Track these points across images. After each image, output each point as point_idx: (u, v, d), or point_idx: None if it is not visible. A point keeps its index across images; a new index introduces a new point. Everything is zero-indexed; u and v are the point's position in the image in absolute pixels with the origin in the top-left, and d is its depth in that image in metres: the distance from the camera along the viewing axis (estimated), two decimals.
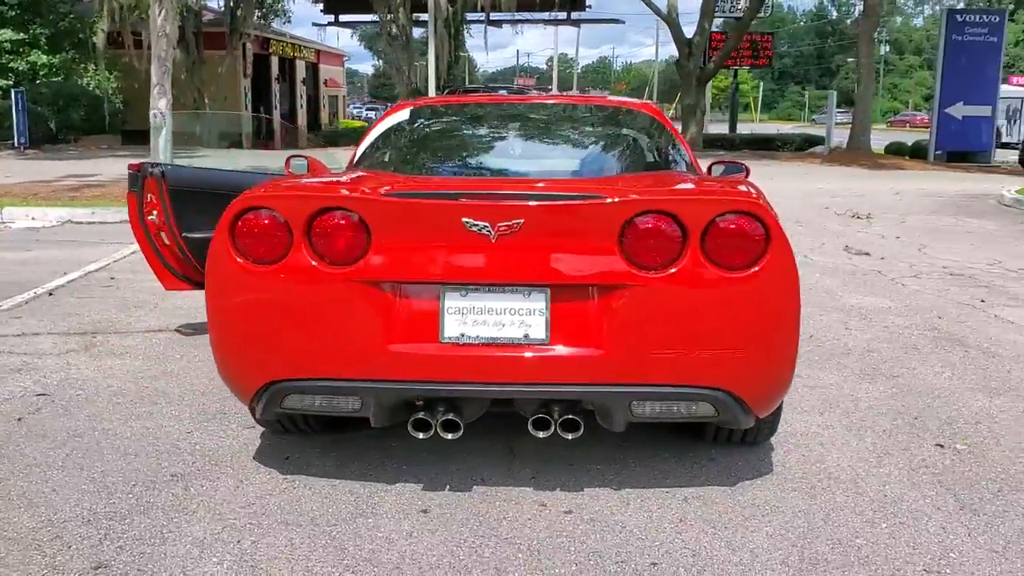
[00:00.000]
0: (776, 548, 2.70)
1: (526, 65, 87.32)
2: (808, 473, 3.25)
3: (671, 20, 26.39)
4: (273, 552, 2.67)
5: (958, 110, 21.98)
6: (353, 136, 28.41)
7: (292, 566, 2.59)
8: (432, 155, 3.79)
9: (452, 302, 2.80)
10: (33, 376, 4.34)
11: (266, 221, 2.83)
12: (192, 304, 5.78)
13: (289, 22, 31.51)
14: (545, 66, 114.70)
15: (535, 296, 2.78)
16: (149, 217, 4.91)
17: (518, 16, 28.41)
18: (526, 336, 2.77)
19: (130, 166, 5.02)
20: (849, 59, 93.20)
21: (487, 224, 2.70)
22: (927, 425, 3.75)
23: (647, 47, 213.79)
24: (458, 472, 3.23)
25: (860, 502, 3.02)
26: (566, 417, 2.86)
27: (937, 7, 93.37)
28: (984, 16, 22.38)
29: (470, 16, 28.78)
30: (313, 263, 2.81)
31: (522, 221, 2.70)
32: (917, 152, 23.41)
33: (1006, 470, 3.30)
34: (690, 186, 3.13)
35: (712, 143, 26.69)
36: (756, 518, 2.90)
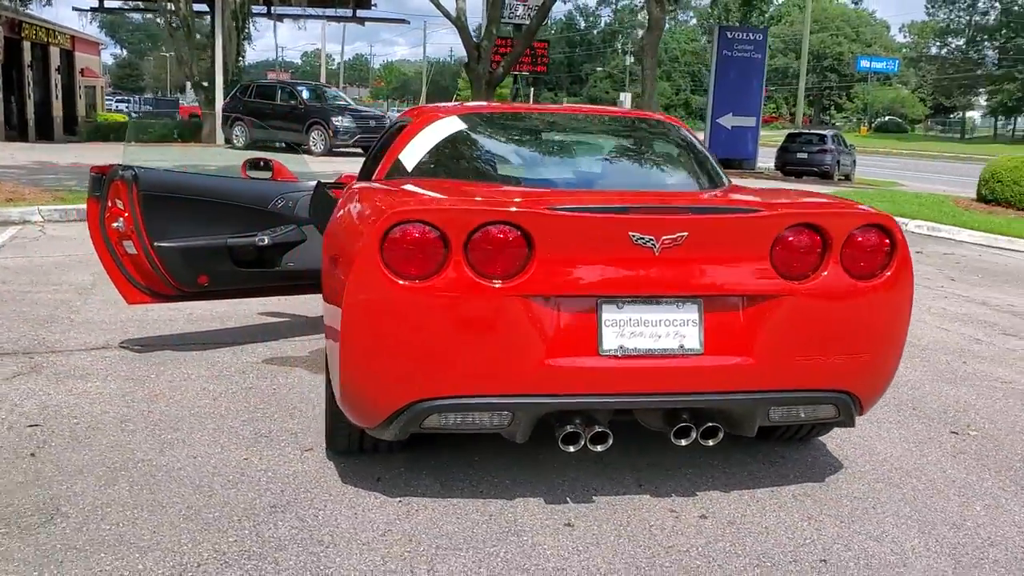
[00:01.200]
0: (905, 535, 2.92)
1: (280, 60, 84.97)
2: (874, 463, 3.51)
3: (460, 23, 26.69)
4: None
5: (728, 120, 23.87)
6: (121, 133, 26.56)
7: None
8: (520, 166, 3.72)
9: (609, 315, 2.79)
10: None
11: (420, 235, 2.68)
12: (113, 318, 5.30)
13: (49, 4, 28.78)
14: (299, 60, 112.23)
15: (688, 307, 2.83)
16: (113, 224, 4.44)
17: (304, 11, 27.68)
18: (681, 347, 2.82)
19: (93, 169, 4.52)
20: (598, 68, 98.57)
21: (652, 237, 2.73)
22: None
23: (399, 46, 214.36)
24: (565, 485, 3.21)
25: (936, 485, 3.32)
26: (707, 425, 2.93)
27: (675, 21, 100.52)
28: (750, 34, 24.47)
29: (254, 9, 27.69)
30: (471, 278, 2.70)
31: (686, 234, 2.75)
32: None
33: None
34: (823, 200, 3.29)
35: None
36: (869, 509, 3.11)
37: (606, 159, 3.95)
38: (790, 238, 2.85)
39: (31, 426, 3.63)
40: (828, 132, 26.46)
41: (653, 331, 2.81)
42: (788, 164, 24.65)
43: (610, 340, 2.79)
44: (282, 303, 5.70)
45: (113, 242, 4.51)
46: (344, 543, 2.75)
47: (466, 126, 3.87)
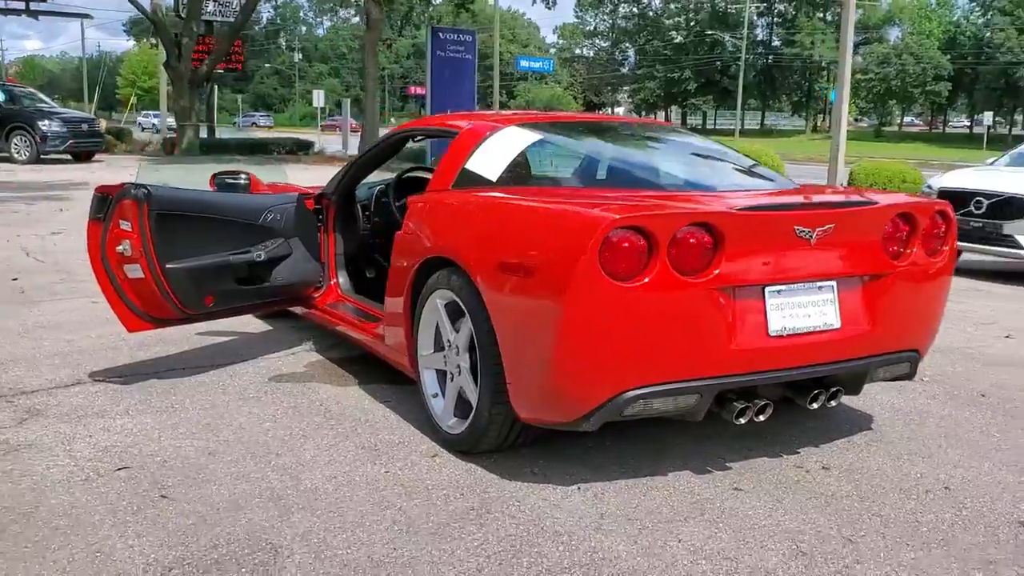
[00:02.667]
0: (973, 461, 3.64)
1: None
2: (927, 436, 4.14)
3: (158, 20, 25.18)
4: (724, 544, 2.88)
5: None
6: None
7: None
8: (627, 172, 3.92)
9: (772, 300, 3.22)
10: (39, 455, 3.50)
11: (632, 239, 2.93)
12: (47, 351, 4.82)
13: None
14: None
15: (826, 289, 3.33)
16: (117, 248, 4.09)
17: None
18: (825, 323, 3.32)
19: (98, 189, 4.11)
20: (266, 64, 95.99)
21: (810, 229, 3.19)
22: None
23: (29, 40, 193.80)
24: (704, 456, 3.59)
25: (964, 425, 4.09)
26: (834, 389, 3.45)
27: (337, 17, 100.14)
28: (461, 35, 25.40)
29: None
30: (672, 276, 3.00)
31: (832, 226, 3.24)
32: (418, 156, 25.68)
33: None
34: (900, 193, 3.90)
35: (213, 148, 26.08)
36: (932, 447, 3.80)
37: (691, 163, 4.21)
38: (894, 224, 3.44)
39: (120, 469, 3.36)
40: None
41: (804, 311, 3.27)
42: None
43: (775, 322, 3.21)
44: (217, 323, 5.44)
45: (113, 267, 4.16)
46: (581, 530, 2.92)
47: (541, 135, 4.06)
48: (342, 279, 4.94)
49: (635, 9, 75.22)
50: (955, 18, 65.95)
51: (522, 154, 3.84)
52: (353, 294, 4.89)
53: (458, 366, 3.52)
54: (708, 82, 70.48)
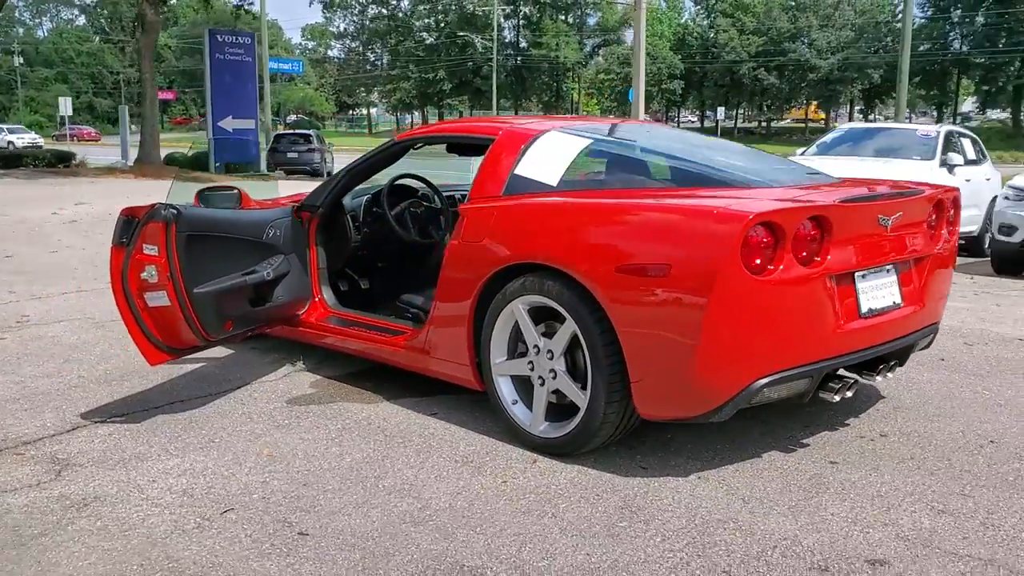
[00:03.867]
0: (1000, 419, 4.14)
1: None
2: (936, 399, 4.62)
3: None
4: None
5: (229, 123, 23.69)
6: None
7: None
8: (684, 171, 3.97)
9: (860, 284, 3.52)
10: (119, 507, 3.21)
11: (765, 233, 3.12)
12: (22, 390, 4.38)
13: None
14: None
15: (891, 271, 3.67)
16: (141, 274, 3.74)
17: None
18: (894, 303, 3.66)
19: (124, 211, 3.70)
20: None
21: (888, 217, 3.52)
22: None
23: None
24: (784, 437, 3.82)
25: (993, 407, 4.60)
26: (893, 362, 3.81)
27: (60, 18, 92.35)
28: (239, 37, 24.40)
29: None
30: (795, 267, 3.22)
31: (901, 213, 3.59)
32: (198, 163, 24.44)
33: None
34: (930, 183, 4.30)
35: None
36: (958, 407, 4.27)
37: (739, 159, 4.32)
38: (938, 210, 3.84)
39: (227, 511, 3.12)
40: (312, 132, 27.66)
41: (879, 293, 3.59)
42: (280, 164, 25.37)
43: (864, 304, 3.50)
44: None
45: (134, 295, 3.79)
46: (741, 516, 3.07)
47: (589, 138, 4.10)
48: (327, 294, 4.75)
49: (384, 10, 75.19)
50: (683, 20, 71.24)
51: (576, 158, 3.88)
52: (342, 308, 4.71)
53: (552, 371, 3.53)
54: (462, 82, 71.81)
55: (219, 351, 5.15)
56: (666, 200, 3.44)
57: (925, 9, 62.01)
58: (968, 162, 10.21)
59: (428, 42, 72.34)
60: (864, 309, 3.47)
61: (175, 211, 3.74)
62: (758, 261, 3.08)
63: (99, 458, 3.58)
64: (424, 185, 5.25)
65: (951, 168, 9.66)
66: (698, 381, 3.14)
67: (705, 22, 68.08)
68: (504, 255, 3.61)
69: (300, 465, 3.52)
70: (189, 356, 4.76)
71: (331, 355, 4.91)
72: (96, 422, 4.01)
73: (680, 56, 66.10)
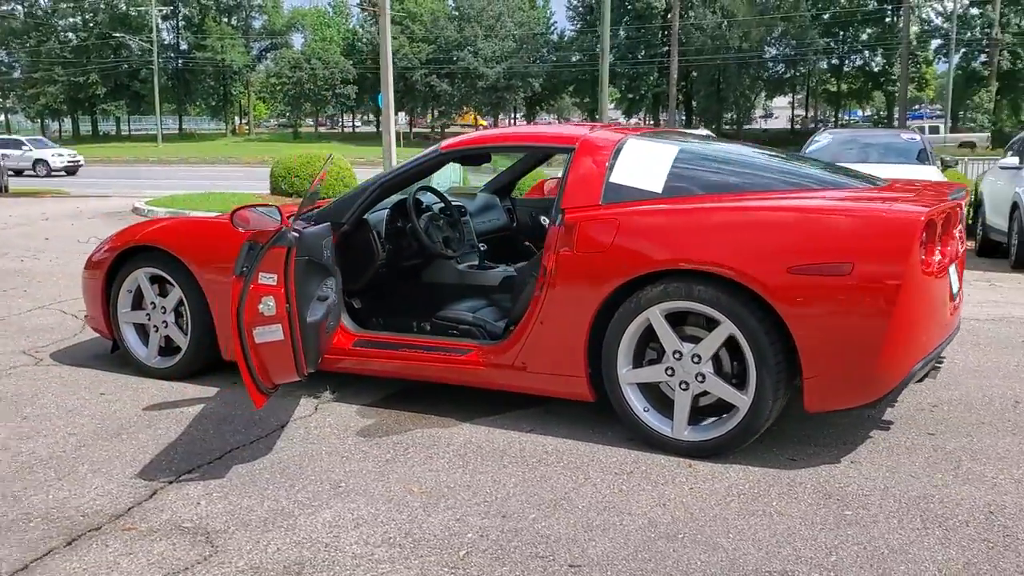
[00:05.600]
0: None
1: None
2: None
3: None
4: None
5: None
6: None
7: None
8: (778, 175, 4.08)
9: (952, 274, 3.97)
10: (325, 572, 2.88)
11: (931, 231, 3.48)
12: (59, 448, 3.67)
13: None
14: None
15: (954, 264, 4.15)
16: (259, 307, 3.30)
17: None
18: (954, 293, 4.14)
19: (249, 236, 3.19)
20: None
21: (955, 217, 4.02)
22: None
23: None
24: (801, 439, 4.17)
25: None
26: None
27: None
28: None
29: None
30: (939, 260, 3.61)
31: (958, 214, 4.10)
32: None
33: None
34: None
35: None
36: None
37: (806, 164, 4.50)
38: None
39: (466, 554, 2.91)
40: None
41: (954, 281, 4.05)
42: None
43: (954, 291, 3.96)
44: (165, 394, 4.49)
45: (246, 331, 3.33)
46: (890, 498, 3.38)
47: (676, 144, 4.16)
48: (345, 317, 4.42)
49: (20, 8, 67.68)
50: (352, 26, 71.34)
51: (673, 164, 3.96)
52: (363, 330, 4.42)
53: (699, 375, 3.61)
54: (118, 86, 66.54)
55: (198, 394, 4.59)
56: (827, 202, 3.63)
57: (575, 22, 67.36)
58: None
59: (75, 43, 66.14)
60: (955, 296, 3.90)
61: (297, 233, 3.32)
62: (923, 256, 3.39)
63: (235, 521, 3.13)
64: (436, 197, 5.02)
65: (944, 169, 10.89)
66: (878, 371, 3.38)
67: (374, 28, 68.61)
68: (642, 262, 3.62)
69: (470, 498, 3.31)
70: (172, 400, 4.28)
71: (345, 381, 4.56)
72: (169, 482, 3.46)
73: (352, 61, 66.16)
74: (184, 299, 4.60)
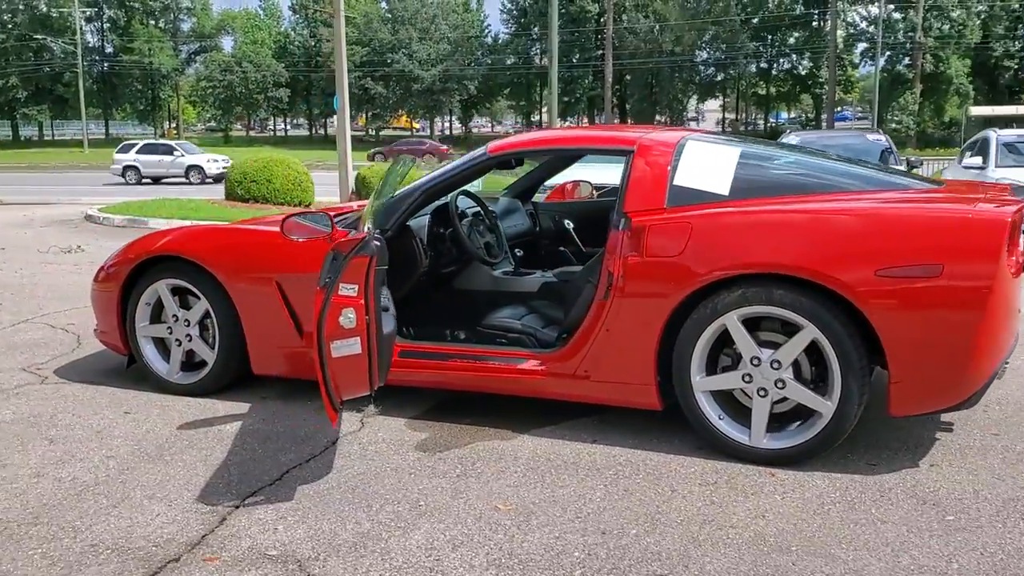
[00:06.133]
0: None
1: None
2: None
3: None
4: None
5: None
6: None
7: None
8: (834, 177, 3.99)
9: None
10: None
11: (1013, 232, 3.47)
12: (105, 473, 3.44)
13: None
14: None
15: None
16: (340, 320, 3.12)
17: None
18: None
19: (335, 245, 3.00)
20: None
21: None
22: None
23: None
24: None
25: None
26: None
27: None
28: None
29: None
30: (1014, 261, 3.59)
31: None
32: None
33: None
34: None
35: None
36: None
37: (853, 163, 4.46)
38: None
39: None
40: None
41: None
42: None
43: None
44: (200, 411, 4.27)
45: (326, 346, 3.15)
46: (971, 498, 3.37)
47: (738, 147, 4.08)
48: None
49: None
50: (284, 28, 70.29)
51: (738, 166, 3.88)
52: (411, 340, 4.26)
53: (779, 381, 3.54)
54: (40, 90, 64.45)
55: (222, 409, 4.38)
56: (910, 203, 3.59)
57: (509, 25, 67.45)
58: None
59: None
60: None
61: (379, 241, 3.15)
62: (1010, 258, 3.36)
63: (323, 547, 2.96)
64: (473, 202, 4.86)
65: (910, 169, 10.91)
66: (968, 373, 3.35)
67: (306, 31, 67.79)
68: (719, 266, 3.52)
69: (561, 514, 3.18)
70: (205, 418, 4.09)
71: (385, 393, 4.38)
72: (236, 506, 3.27)
73: (284, 64, 65.20)
74: (211, 311, 4.37)
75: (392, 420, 4.17)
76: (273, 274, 4.24)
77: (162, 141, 32.05)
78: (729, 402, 3.69)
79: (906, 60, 54.42)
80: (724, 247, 3.54)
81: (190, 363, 4.56)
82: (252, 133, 75.79)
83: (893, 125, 50.51)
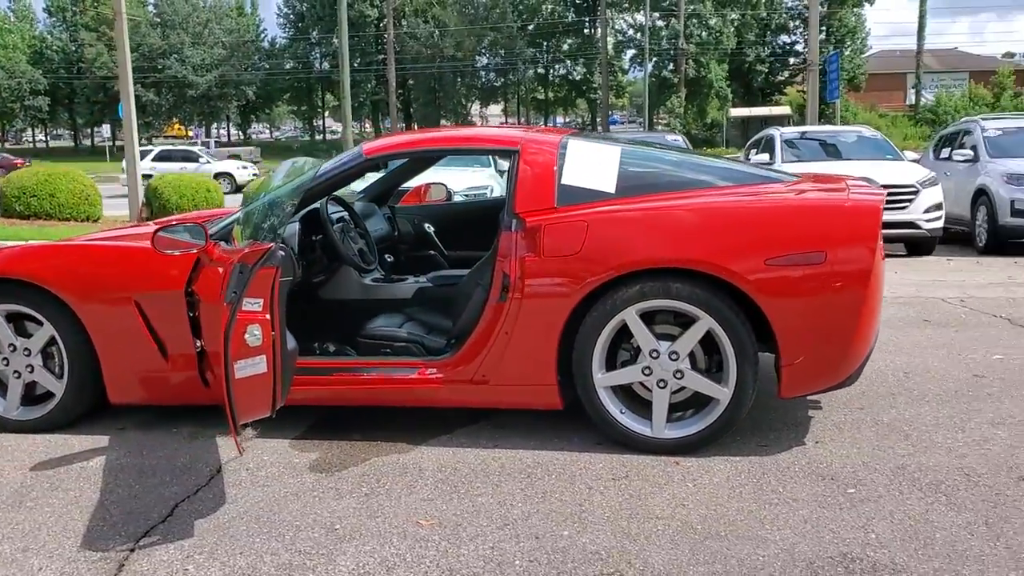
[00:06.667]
0: None
1: None
2: None
3: None
4: None
5: None
6: None
7: None
8: (709, 174, 4.09)
9: None
10: None
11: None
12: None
13: None
14: None
15: None
16: (246, 337, 2.91)
17: None
18: None
19: (239, 257, 2.75)
20: None
21: None
22: None
23: None
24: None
25: None
26: None
27: None
28: None
29: None
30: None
31: None
32: None
33: None
34: None
35: None
36: None
37: (714, 160, 4.62)
38: None
39: None
40: None
41: None
42: None
43: None
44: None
45: (232, 367, 2.92)
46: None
47: (618, 146, 4.11)
48: None
49: None
50: (39, 32, 65.11)
51: (621, 165, 3.95)
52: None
53: (678, 371, 3.64)
54: None
55: (77, 444, 3.99)
56: (790, 194, 3.76)
57: (287, 29, 65.83)
58: None
59: None
60: None
61: (284, 252, 2.95)
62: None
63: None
64: (340, 207, 4.64)
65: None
66: (851, 352, 3.56)
67: (65, 35, 63.16)
68: (618, 263, 3.56)
69: (488, 523, 3.11)
70: (62, 455, 3.73)
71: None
72: (131, 550, 2.98)
73: (41, 71, 60.44)
74: (58, 337, 3.95)
75: (274, 442, 3.93)
76: (131, 293, 3.88)
77: None
78: (629, 396, 3.73)
79: (671, 66, 57.69)
80: (622, 244, 3.58)
81: (31, 396, 4.09)
82: (7, 145, 69.59)
83: (660, 127, 53.47)
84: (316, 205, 4.26)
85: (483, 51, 63.89)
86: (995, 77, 47.73)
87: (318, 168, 4.00)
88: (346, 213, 4.58)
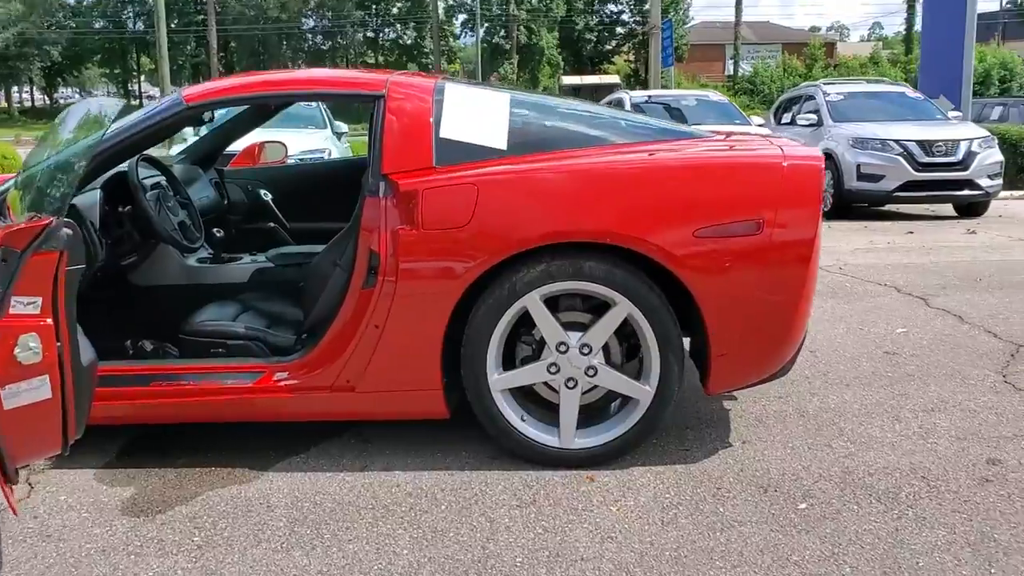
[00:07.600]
0: None
1: None
2: None
3: None
4: None
5: None
6: None
7: None
8: (613, 127, 3.42)
9: None
10: None
11: None
12: None
13: None
14: None
15: None
16: (15, 352, 2.04)
17: None
18: None
19: (11, 236, 1.86)
20: None
21: None
22: None
23: None
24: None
25: None
26: None
27: None
28: None
29: None
30: None
31: None
32: None
33: None
34: None
35: None
36: None
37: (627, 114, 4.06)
38: None
39: None
40: None
41: None
42: None
43: None
44: None
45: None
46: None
47: (505, 92, 3.37)
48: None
49: None
50: None
51: (512, 116, 3.23)
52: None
53: (590, 368, 2.99)
54: None
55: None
56: (716, 151, 3.14)
57: None
58: None
59: None
60: None
61: (70, 231, 2.07)
62: None
63: None
64: (156, 170, 3.68)
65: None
66: (788, 339, 3.02)
67: None
68: (518, 237, 2.86)
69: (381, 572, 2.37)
70: None
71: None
72: None
73: None
74: None
75: (72, 474, 3.03)
76: None
77: None
78: (531, 399, 3.06)
79: (503, 32, 57.23)
80: (522, 213, 2.89)
81: None
82: None
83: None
84: (123, 167, 3.33)
85: (309, 12, 61.38)
86: (807, 49, 49.84)
87: (125, 118, 3.07)
88: (163, 178, 3.65)
